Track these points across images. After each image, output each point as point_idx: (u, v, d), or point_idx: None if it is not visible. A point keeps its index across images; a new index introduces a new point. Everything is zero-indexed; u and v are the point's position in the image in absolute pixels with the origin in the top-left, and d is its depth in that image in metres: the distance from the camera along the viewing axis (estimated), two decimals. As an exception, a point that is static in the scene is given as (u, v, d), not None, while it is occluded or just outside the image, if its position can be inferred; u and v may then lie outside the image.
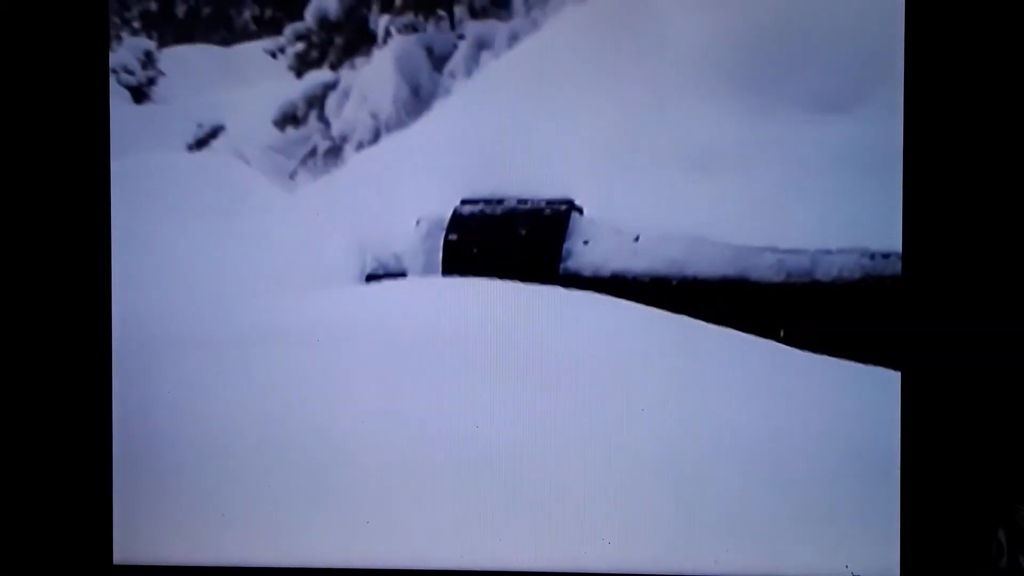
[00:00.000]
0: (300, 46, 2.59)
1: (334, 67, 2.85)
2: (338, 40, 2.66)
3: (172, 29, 2.69)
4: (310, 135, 2.55)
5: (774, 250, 1.70)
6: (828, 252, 1.67)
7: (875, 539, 1.66)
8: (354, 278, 2.26)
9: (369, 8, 2.65)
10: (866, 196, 1.65)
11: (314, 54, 2.58)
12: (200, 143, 2.58)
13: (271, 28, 2.38)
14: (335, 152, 2.52)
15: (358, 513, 1.86)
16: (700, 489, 1.76)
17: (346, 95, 2.58)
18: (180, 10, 2.71)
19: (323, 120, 2.56)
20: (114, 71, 2.83)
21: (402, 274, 1.73)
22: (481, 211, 1.67)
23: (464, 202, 1.67)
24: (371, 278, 1.72)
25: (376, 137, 2.58)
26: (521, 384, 2.23)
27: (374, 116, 2.51)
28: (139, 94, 2.83)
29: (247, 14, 2.38)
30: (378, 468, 1.91)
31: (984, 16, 1.60)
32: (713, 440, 1.83)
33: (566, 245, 1.60)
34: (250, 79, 2.62)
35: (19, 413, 1.78)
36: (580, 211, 1.66)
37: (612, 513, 1.76)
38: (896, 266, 1.41)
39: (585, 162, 1.72)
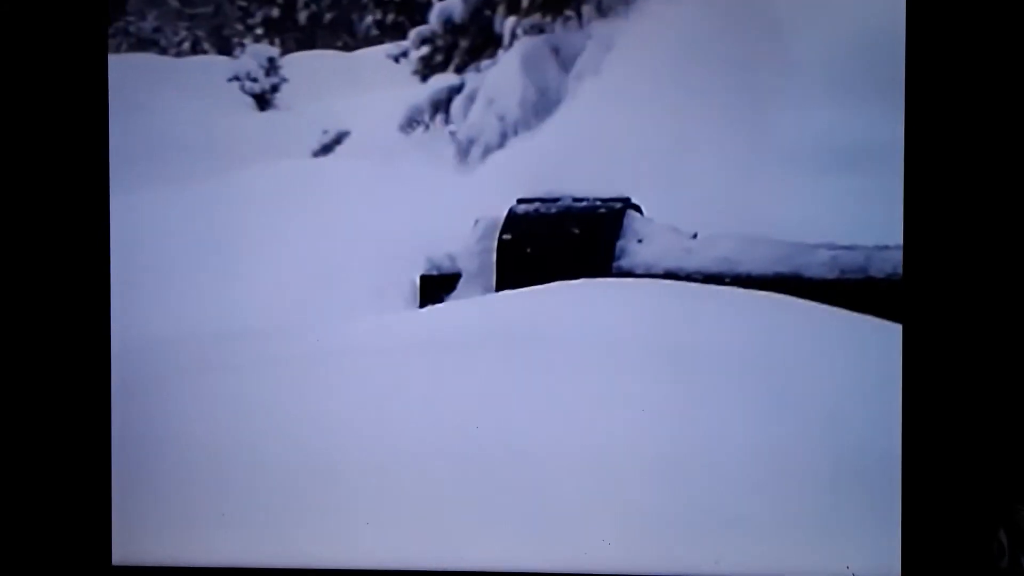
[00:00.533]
0: (425, 50, 2.57)
1: (459, 70, 2.82)
2: (463, 43, 2.64)
3: (295, 35, 2.69)
4: (436, 139, 2.53)
5: (829, 246, 1.74)
6: (885, 248, 1.70)
7: (876, 539, 1.66)
8: (359, 282, 2.26)
9: (495, 10, 2.62)
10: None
11: (439, 58, 2.58)
12: (325, 149, 2.52)
13: (394, 33, 2.38)
14: (464, 154, 2.51)
15: (358, 513, 1.86)
16: (700, 489, 1.76)
17: (472, 98, 2.57)
18: (302, 16, 2.69)
19: (448, 124, 2.55)
20: (237, 78, 2.82)
21: (457, 275, 1.74)
22: (536, 210, 1.69)
23: (520, 201, 1.70)
24: (425, 279, 1.75)
25: (503, 140, 2.54)
26: (521, 384, 2.23)
27: (501, 119, 2.45)
28: (263, 101, 2.80)
29: (369, 19, 2.38)
30: (378, 468, 1.91)
31: (985, 15, 1.60)
32: (713, 440, 1.83)
33: (620, 243, 1.62)
34: (373, 84, 2.58)
35: (19, 413, 1.78)
36: (638, 209, 1.69)
37: (612, 513, 1.76)
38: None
39: (650, 161, 1.78)
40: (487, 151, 2.55)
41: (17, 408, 1.78)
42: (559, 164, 1.80)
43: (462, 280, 1.68)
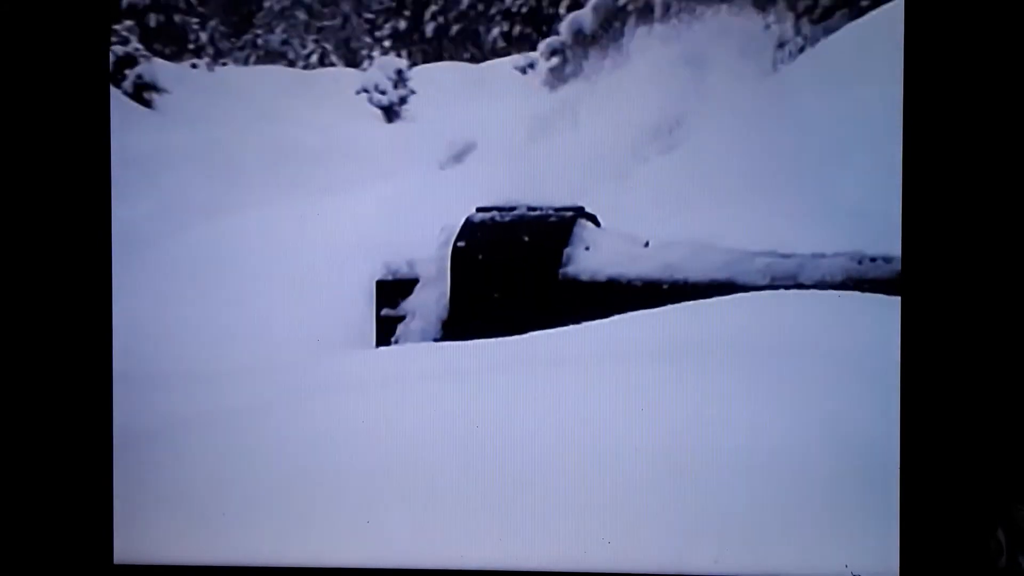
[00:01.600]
0: (555, 60, 2.55)
1: (589, 80, 2.80)
2: (593, 54, 2.62)
3: (422, 48, 2.70)
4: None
5: (769, 254, 1.77)
6: (821, 256, 1.74)
7: (875, 539, 1.66)
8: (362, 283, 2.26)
9: (624, 21, 2.60)
10: (862, 201, 1.74)
11: (568, 68, 2.57)
12: (453, 159, 2.49)
13: (521, 44, 2.38)
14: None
15: (358, 513, 1.86)
16: (700, 489, 1.76)
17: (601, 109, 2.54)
18: (429, 28, 2.68)
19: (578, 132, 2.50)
20: (366, 91, 2.82)
21: (415, 280, 1.77)
22: (492, 218, 1.74)
23: (479, 209, 1.75)
24: (381, 284, 1.77)
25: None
26: (520, 384, 2.23)
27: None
28: (391, 113, 2.79)
29: (496, 31, 2.38)
30: (378, 468, 1.91)
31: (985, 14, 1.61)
32: (713, 440, 1.83)
33: (567, 251, 1.67)
34: (500, 95, 2.54)
35: (19, 413, 1.78)
36: (593, 219, 1.74)
37: (612, 513, 1.76)
38: (883, 269, 1.44)
39: (607, 172, 1.82)
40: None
41: (18, 407, 1.78)
42: (523, 175, 1.82)
43: (418, 285, 1.69)
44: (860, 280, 1.68)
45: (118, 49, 2.81)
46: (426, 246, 1.89)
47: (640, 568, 1.73)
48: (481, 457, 1.87)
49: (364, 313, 1.89)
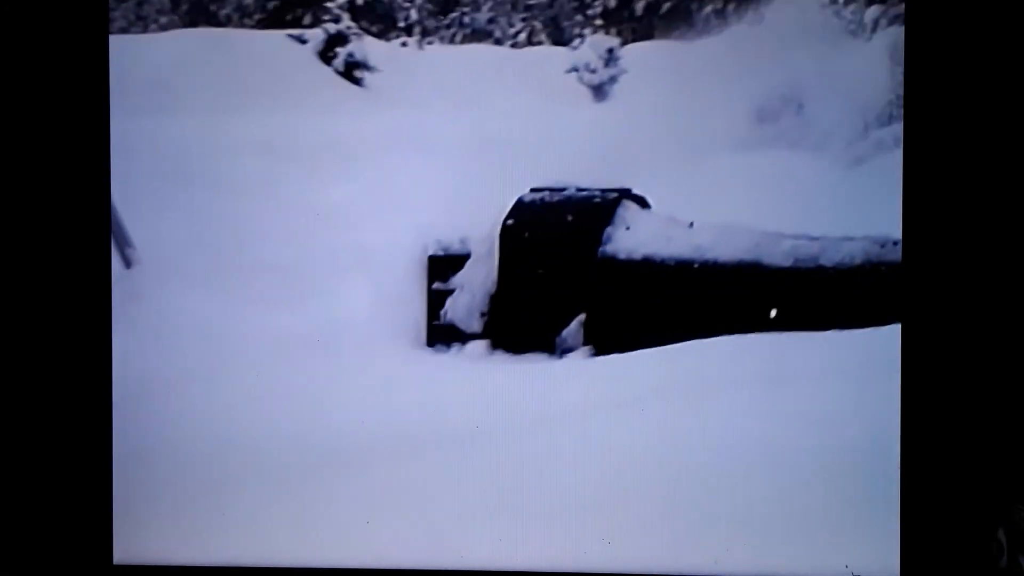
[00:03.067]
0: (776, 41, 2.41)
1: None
2: None
3: (631, 26, 2.64)
4: (784, 131, 2.33)
5: (796, 236, 1.79)
6: (848, 239, 1.73)
7: (875, 539, 1.66)
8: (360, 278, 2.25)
9: None
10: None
11: None
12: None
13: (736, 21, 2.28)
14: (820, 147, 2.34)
15: (358, 513, 1.86)
16: (700, 489, 1.76)
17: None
18: (639, 7, 2.64)
19: (802, 115, 2.38)
20: (576, 69, 2.79)
21: (466, 255, 1.80)
22: (542, 199, 1.80)
23: (532, 190, 1.78)
24: (433, 260, 1.80)
25: (866, 131, 2.40)
26: (520, 385, 2.23)
27: (863, 111, 2.33)
28: (600, 92, 2.75)
29: (708, 8, 2.30)
30: (378, 468, 1.91)
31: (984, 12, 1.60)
32: (713, 440, 1.83)
33: (608, 230, 1.72)
34: (713, 75, 2.45)
35: (19, 413, 1.78)
36: (640, 201, 1.78)
37: (612, 513, 1.76)
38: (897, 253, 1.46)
39: (661, 154, 1.92)
40: (849, 144, 2.39)
41: (18, 408, 1.78)
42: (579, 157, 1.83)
43: (469, 261, 1.74)
44: (877, 263, 1.67)
45: (330, 27, 2.84)
46: (483, 224, 1.89)
47: (640, 568, 1.73)
48: (480, 458, 1.87)
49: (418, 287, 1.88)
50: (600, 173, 1.90)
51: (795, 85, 2.08)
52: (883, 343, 1.73)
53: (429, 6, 2.63)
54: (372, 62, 2.77)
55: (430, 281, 1.82)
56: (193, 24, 2.38)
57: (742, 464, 1.76)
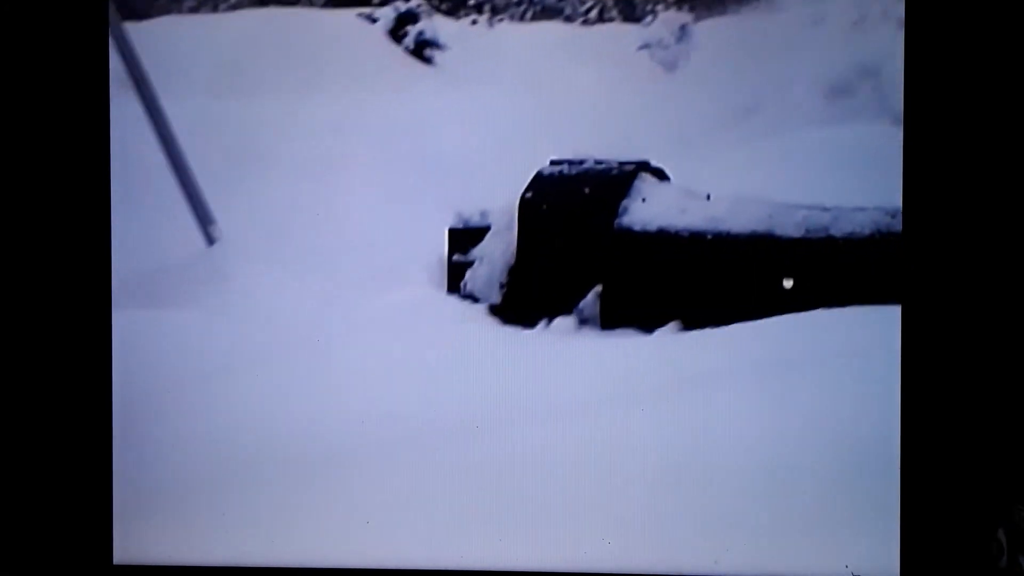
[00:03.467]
0: (855, 15, 2.29)
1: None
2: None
3: (705, 1, 2.58)
4: (863, 107, 2.23)
5: (808, 207, 1.78)
6: (860, 209, 1.72)
7: (875, 539, 1.66)
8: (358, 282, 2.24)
9: None
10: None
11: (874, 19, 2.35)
12: (736, 117, 2.34)
13: None
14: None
15: (358, 513, 1.86)
16: (700, 489, 1.76)
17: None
18: None
19: (879, 91, 2.27)
20: (648, 46, 2.75)
21: (487, 227, 1.82)
22: (560, 171, 1.80)
23: (552, 163, 1.80)
24: (454, 232, 1.81)
25: None
26: (520, 384, 2.23)
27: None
28: (674, 69, 2.70)
29: None
30: (378, 468, 1.91)
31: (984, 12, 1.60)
32: (713, 440, 1.83)
33: (624, 202, 1.72)
34: (792, 50, 2.38)
35: (19, 414, 1.78)
36: (658, 173, 1.78)
37: (612, 513, 1.76)
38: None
39: (687, 130, 1.94)
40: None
41: (19, 408, 1.78)
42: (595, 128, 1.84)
43: (489, 233, 1.76)
44: (887, 233, 1.64)
45: (400, 5, 2.84)
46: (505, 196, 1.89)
47: (640, 568, 1.73)
48: (481, 457, 1.87)
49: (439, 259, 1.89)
50: (655, 150, 1.88)
51: (870, 60, 2.06)
52: (883, 342, 1.73)
53: None
54: (442, 40, 2.77)
55: (450, 253, 1.82)
56: (262, 3, 2.37)
57: (742, 464, 1.76)
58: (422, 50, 2.85)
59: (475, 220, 1.85)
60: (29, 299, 1.78)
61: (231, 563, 1.80)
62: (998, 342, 1.63)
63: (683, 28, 2.64)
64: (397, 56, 2.65)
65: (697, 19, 2.48)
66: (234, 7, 2.43)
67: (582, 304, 1.82)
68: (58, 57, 1.77)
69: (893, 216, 1.62)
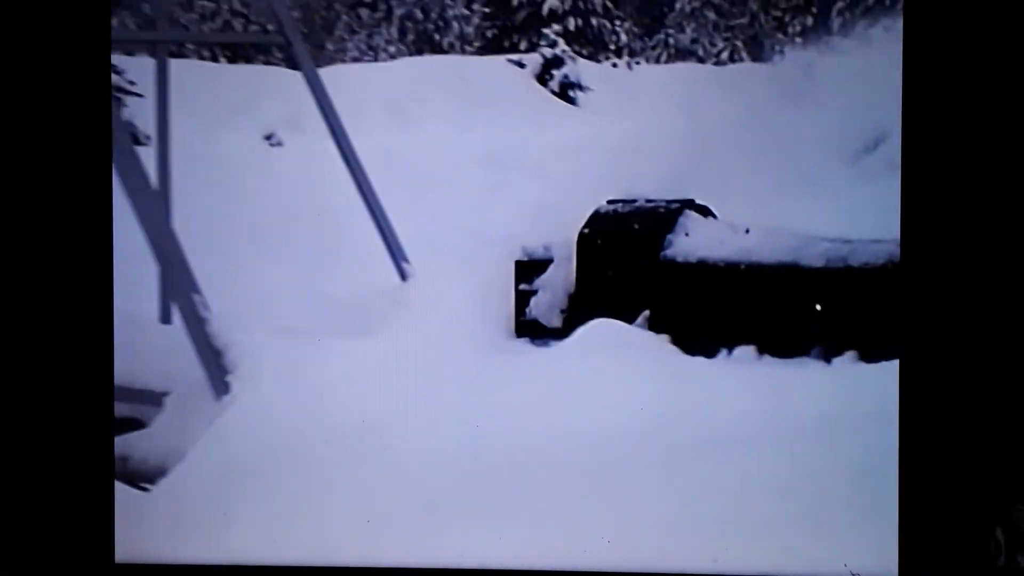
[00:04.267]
0: None
1: None
2: None
3: (828, 40, 2.79)
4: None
5: (830, 239, 1.99)
6: (878, 242, 1.93)
7: (874, 539, 1.67)
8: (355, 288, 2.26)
9: None
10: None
11: None
12: (866, 149, 2.43)
13: None
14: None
15: (358, 513, 1.86)
16: (700, 489, 1.76)
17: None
18: (835, 24, 2.71)
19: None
20: (775, 83, 2.96)
21: (549, 260, 2.04)
22: (615, 209, 2.04)
23: (609, 202, 2.05)
24: (520, 264, 2.05)
25: None
26: (520, 385, 2.23)
27: None
28: (801, 104, 2.82)
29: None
30: (378, 468, 1.91)
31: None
32: (713, 440, 1.84)
33: (669, 236, 1.93)
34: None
35: (20, 414, 1.79)
36: (703, 210, 2.04)
37: (612, 512, 1.76)
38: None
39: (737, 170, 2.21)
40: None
41: (20, 409, 1.78)
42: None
43: (552, 265, 1.95)
44: (896, 262, 1.71)
45: (546, 52, 3.13)
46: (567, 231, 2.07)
47: (640, 567, 1.73)
48: (481, 458, 1.88)
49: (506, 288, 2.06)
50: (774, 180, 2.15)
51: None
52: (884, 345, 1.74)
53: (636, 29, 3.04)
54: (585, 82, 2.98)
55: (517, 283, 2.02)
56: (419, 52, 2.60)
57: (742, 465, 1.77)
58: (566, 91, 3.05)
59: (539, 253, 2.01)
60: (26, 303, 1.78)
61: (231, 562, 1.80)
62: (997, 344, 1.64)
63: (809, 66, 2.93)
64: (544, 97, 2.81)
65: (820, 55, 2.61)
66: (393, 56, 2.65)
67: (633, 326, 2.01)
68: (61, 71, 1.78)
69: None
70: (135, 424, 1.60)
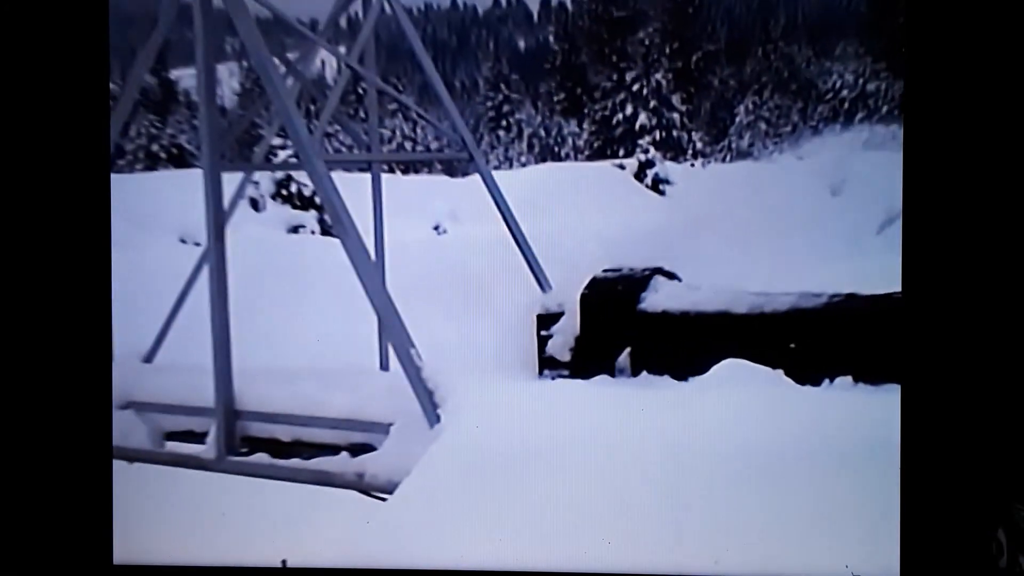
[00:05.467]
0: None
1: None
2: None
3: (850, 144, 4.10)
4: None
5: (758, 294, 2.51)
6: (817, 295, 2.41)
7: (875, 539, 1.66)
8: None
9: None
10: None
11: None
12: (885, 224, 3.57)
13: None
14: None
15: (358, 513, 1.86)
16: (700, 490, 1.76)
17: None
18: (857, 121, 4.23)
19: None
20: (815, 175, 4.54)
21: (561, 313, 2.64)
22: (607, 276, 2.66)
23: (604, 271, 2.68)
24: (540, 317, 2.65)
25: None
26: (521, 386, 2.23)
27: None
28: (835, 190, 4.13)
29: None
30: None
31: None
32: (713, 441, 1.83)
33: (643, 294, 2.52)
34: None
35: (20, 415, 1.78)
36: (670, 275, 2.65)
37: (612, 513, 1.76)
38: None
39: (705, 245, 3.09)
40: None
41: (19, 409, 1.78)
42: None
43: (563, 317, 2.57)
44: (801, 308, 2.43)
45: (641, 156, 4.39)
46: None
47: (640, 568, 1.73)
48: (481, 458, 1.88)
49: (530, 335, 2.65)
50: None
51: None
52: (885, 345, 1.74)
53: (706, 137, 4.31)
54: (671, 178, 4.22)
55: (538, 329, 2.63)
56: (543, 161, 4.05)
57: (743, 465, 1.76)
58: (657, 185, 4.20)
59: (554, 308, 2.63)
60: (33, 303, 1.78)
61: (231, 563, 1.80)
62: (998, 345, 1.63)
63: (839, 161, 4.00)
64: (639, 190, 3.40)
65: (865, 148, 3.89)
66: (524, 164, 4.15)
67: (618, 361, 2.49)
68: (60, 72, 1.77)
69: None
70: (368, 448, 2.07)
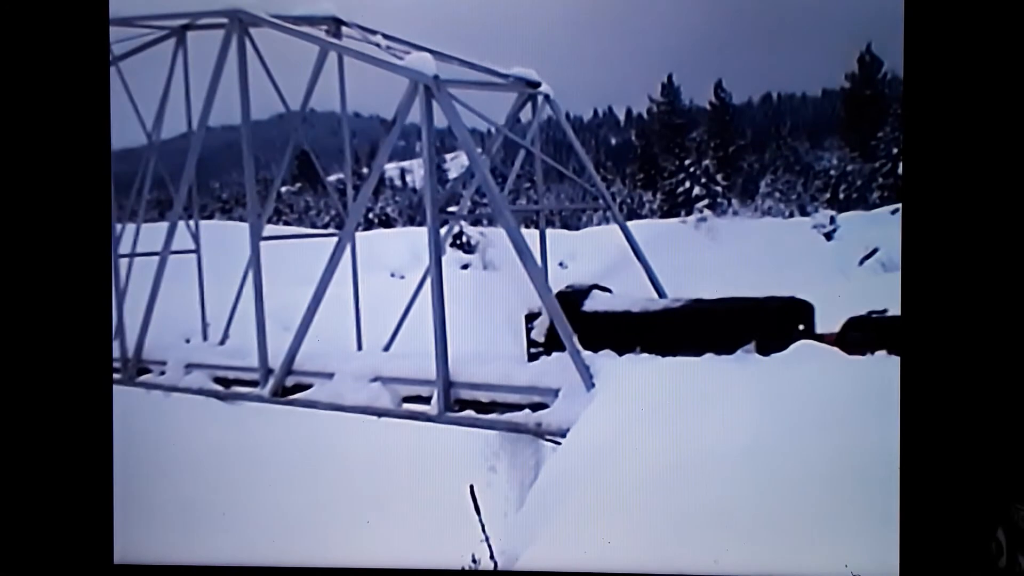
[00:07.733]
0: None
1: None
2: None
3: (848, 194, 5.80)
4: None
5: (646, 298, 3.61)
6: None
7: (875, 539, 1.66)
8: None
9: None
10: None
11: None
12: (864, 259, 6.10)
13: None
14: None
15: (358, 513, 1.86)
16: (700, 490, 1.76)
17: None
18: (842, 192, 6.59)
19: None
20: (816, 226, 6.52)
21: (539, 312, 3.50)
22: (563, 290, 3.56)
23: (567, 287, 3.62)
24: (529, 316, 3.57)
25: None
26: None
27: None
28: (829, 236, 5.92)
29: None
30: (378, 468, 1.91)
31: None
32: (714, 441, 1.83)
33: (585, 300, 3.50)
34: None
35: (21, 416, 1.79)
36: (604, 288, 3.67)
37: (612, 513, 1.76)
38: None
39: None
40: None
41: (20, 410, 1.78)
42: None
43: (542, 314, 3.44)
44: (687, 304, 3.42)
45: (697, 215, 5.56)
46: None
47: (640, 568, 1.73)
48: (481, 459, 1.88)
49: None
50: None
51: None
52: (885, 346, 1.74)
53: (740, 202, 6.35)
54: (718, 229, 5.97)
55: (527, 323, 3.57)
56: (629, 219, 4.79)
57: (742, 465, 1.76)
58: (708, 235, 6.03)
59: (536, 309, 3.47)
60: (33, 304, 1.78)
61: (231, 563, 1.80)
62: (997, 346, 1.64)
63: (832, 219, 5.81)
64: (696, 236, 5.92)
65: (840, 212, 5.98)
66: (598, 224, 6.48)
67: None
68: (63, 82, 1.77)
69: None
70: (543, 406, 2.77)
